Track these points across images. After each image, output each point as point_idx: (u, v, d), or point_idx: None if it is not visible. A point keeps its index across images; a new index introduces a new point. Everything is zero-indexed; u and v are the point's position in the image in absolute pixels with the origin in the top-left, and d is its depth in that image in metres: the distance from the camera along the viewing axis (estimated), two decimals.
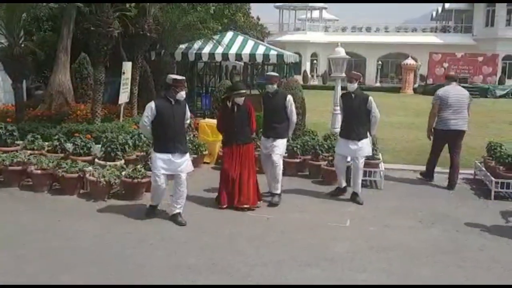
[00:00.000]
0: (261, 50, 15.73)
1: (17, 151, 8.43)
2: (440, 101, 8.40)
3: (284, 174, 8.83)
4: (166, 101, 6.44)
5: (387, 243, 6.04)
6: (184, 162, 6.50)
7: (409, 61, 36.31)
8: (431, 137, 8.79)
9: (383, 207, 7.52)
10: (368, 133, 7.79)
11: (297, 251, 5.70)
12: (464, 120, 8.37)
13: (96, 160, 8.12)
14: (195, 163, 9.17)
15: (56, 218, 6.48)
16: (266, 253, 5.63)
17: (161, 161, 6.36)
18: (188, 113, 6.82)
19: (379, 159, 8.93)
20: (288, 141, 8.16)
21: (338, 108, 11.18)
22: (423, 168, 9.54)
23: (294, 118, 7.67)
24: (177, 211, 6.52)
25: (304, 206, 7.45)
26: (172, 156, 6.38)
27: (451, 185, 8.60)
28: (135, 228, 6.24)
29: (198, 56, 15.35)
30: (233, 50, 15.48)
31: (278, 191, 7.51)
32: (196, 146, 9.36)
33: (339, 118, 11.19)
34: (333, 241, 6.04)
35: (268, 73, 8.15)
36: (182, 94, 6.45)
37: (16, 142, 8.97)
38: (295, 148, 9.19)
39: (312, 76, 44.03)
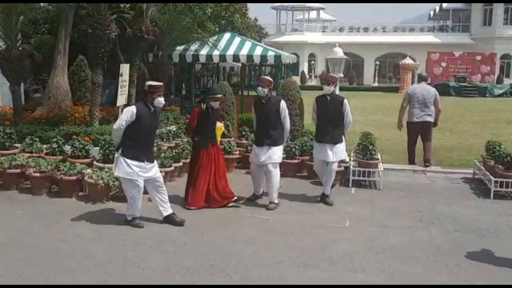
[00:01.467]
0: (258, 51, 15.71)
1: (15, 154, 8.44)
2: (408, 97, 9.54)
3: (282, 175, 8.83)
4: (146, 108, 6.27)
5: (386, 243, 6.04)
6: (154, 167, 6.41)
7: (407, 61, 36.37)
8: (401, 129, 9.93)
9: (382, 208, 7.51)
10: (343, 137, 7.70)
11: (296, 252, 5.69)
12: (429, 113, 9.47)
13: (95, 162, 8.11)
14: None
15: (55, 221, 6.47)
16: (264, 254, 5.62)
17: (134, 166, 6.18)
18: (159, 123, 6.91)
19: (377, 159, 8.92)
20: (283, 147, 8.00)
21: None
22: (423, 168, 9.78)
23: (288, 125, 7.49)
24: (170, 211, 6.49)
25: (303, 207, 7.44)
26: (144, 164, 6.25)
27: (426, 164, 9.74)
28: (134, 230, 6.23)
29: (196, 57, 15.33)
30: (231, 52, 15.47)
31: (276, 201, 7.34)
32: None
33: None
34: (332, 242, 6.04)
35: (262, 76, 7.95)
36: (159, 100, 6.28)
37: (14, 145, 8.97)
38: (293, 149, 9.18)
39: (310, 76, 44.07)
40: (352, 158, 9.24)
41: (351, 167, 8.76)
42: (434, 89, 9.68)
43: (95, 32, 10.07)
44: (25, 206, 7.14)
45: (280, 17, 50.43)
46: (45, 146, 8.90)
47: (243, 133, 10.46)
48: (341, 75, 11.15)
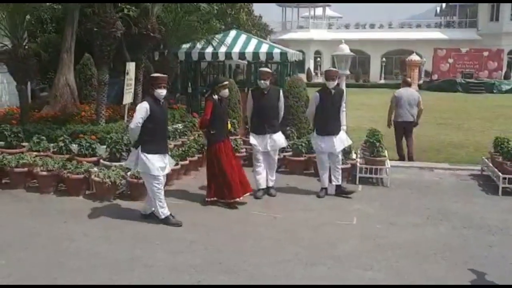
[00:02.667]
0: (264, 48, 15.69)
1: (22, 152, 8.46)
2: (396, 100, 10.51)
3: (290, 172, 8.85)
4: (156, 101, 6.34)
5: (394, 240, 6.01)
6: (168, 162, 6.53)
7: (414, 57, 36.19)
8: (390, 127, 10.74)
9: (390, 205, 7.48)
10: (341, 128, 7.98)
11: (303, 249, 5.67)
12: (413, 113, 10.46)
13: (101, 161, 8.12)
14: (200, 162, 9.18)
15: (62, 219, 6.48)
16: (272, 252, 5.61)
17: (157, 163, 6.27)
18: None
19: (385, 156, 8.88)
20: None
21: (344, 105, 11.17)
22: (430, 165, 9.82)
23: (282, 112, 7.91)
24: (168, 212, 6.43)
25: (310, 205, 7.42)
26: (164, 157, 6.39)
27: (410, 158, 10.39)
28: (142, 228, 6.23)
29: (202, 55, 15.32)
30: (237, 49, 15.45)
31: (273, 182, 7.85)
32: (201, 146, 9.33)
33: (344, 116, 11.19)
34: (340, 240, 6.02)
35: (261, 69, 8.05)
36: (158, 92, 6.30)
37: (21, 144, 8.99)
38: (300, 147, 9.15)
39: (316, 73, 43.96)
40: (359, 155, 9.20)
41: (358, 164, 8.72)
42: (417, 93, 10.85)
43: (101, 31, 10.07)
44: (32, 204, 7.16)
45: (286, 14, 50.34)
46: (52, 145, 8.92)
47: (249, 130, 10.41)
48: (348, 72, 11.06)
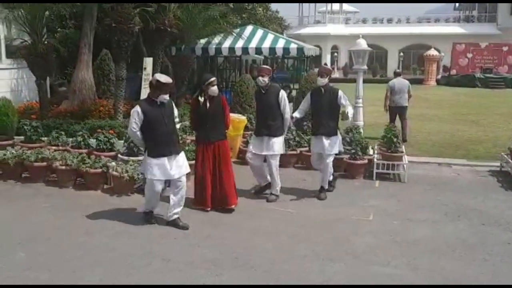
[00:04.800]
0: (281, 43, 15.66)
1: (42, 147, 8.59)
2: (390, 88, 12.18)
3: (305, 168, 8.82)
4: (151, 103, 6.01)
5: (411, 237, 5.98)
6: (180, 164, 6.17)
7: (432, 52, 35.79)
8: (387, 112, 12.33)
9: (407, 201, 7.43)
10: (338, 130, 7.57)
11: (320, 245, 5.67)
12: (404, 99, 12.12)
13: (119, 155, 8.19)
14: None
15: (80, 214, 6.55)
16: (288, 247, 5.61)
17: (157, 167, 5.98)
18: (176, 112, 6.46)
19: (402, 152, 8.82)
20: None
21: (361, 100, 11.13)
22: (449, 161, 9.79)
23: (287, 115, 7.31)
24: (176, 216, 6.21)
25: (327, 200, 7.41)
26: (167, 160, 6.02)
27: (404, 140, 11.17)
28: (159, 223, 6.28)
29: (218, 50, 15.35)
30: (253, 44, 15.44)
31: (277, 193, 7.31)
32: None
33: (361, 111, 11.15)
34: (356, 235, 6.00)
35: (261, 66, 7.80)
36: (163, 97, 6.00)
37: (41, 138, 9.12)
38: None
39: (333, 69, 43.72)
40: (376, 151, 9.15)
41: (375, 160, 8.68)
42: (407, 82, 12.48)
43: (118, 26, 10.14)
44: (51, 199, 7.26)
45: (303, 9, 50.12)
46: (70, 139, 9.03)
47: None
48: (365, 67, 11.00)
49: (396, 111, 12.17)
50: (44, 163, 7.88)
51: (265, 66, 7.66)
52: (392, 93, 12.18)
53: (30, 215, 6.54)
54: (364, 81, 11.96)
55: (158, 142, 6.01)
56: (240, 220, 6.49)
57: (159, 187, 6.13)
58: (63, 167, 7.72)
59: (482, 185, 8.40)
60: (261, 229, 6.16)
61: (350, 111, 7.34)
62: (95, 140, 8.63)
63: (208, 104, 6.62)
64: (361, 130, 10.39)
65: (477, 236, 6.06)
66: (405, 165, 8.60)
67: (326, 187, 7.61)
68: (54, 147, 8.66)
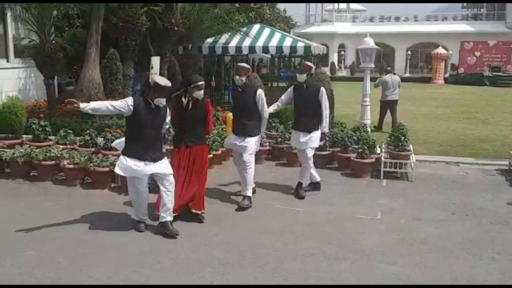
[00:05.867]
0: (288, 42, 15.66)
1: (50, 146, 8.64)
2: (382, 83, 13.48)
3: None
4: (146, 103, 5.64)
5: (419, 236, 5.96)
6: (163, 165, 5.81)
7: (440, 50, 35.59)
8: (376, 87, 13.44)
9: (415, 200, 7.41)
10: (319, 126, 7.43)
11: (327, 244, 5.66)
12: (396, 94, 13.41)
13: None
14: (222, 156, 9.22)
15: (88, 212, 6.57)
16: (295, 246, 5.61)
17: (129, 164, 5.64)
18: (168, 118, 6.01)
19: (410, 150, 8.79)
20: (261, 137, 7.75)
21: (368, 99, 11.10)
22: (457, 159, 9.79)
23: (265, 114, 7.12)
24: (169, 218, 5.86)
25: (334, 199, 7.40)
26: (144, 164, 5.67)
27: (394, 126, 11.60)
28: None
29: (225, 49, 15.37)
30: (260, 43, 15.45)
31: (249, 194, 6.99)
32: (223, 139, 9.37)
33: (368, 110, 11.12)
34: (363, 234, 5.99)
35: (239, 64, 7.48)
36: (160, 101, 5.64)
37: (48, 137, 9.17)
38: (324, 141, 9.09)
39: (340, 67, 43.64)
40: (383, 150, 9.13)
41: (383, 158, 8.65)
42: (398, 78, 13.87)
43: (126, 25, 10.21)
44: (59, 197, 7.29)
45: (309, 8, 50.01)
46: (78, 138, 9.08)
47: (273, 124, 10.43)
48: (372, 65, 10.97)
49: (389, 105, 13.35)
50: (52, 162, 7.93)
51: (243, 64, 7.37)
52: (385, 88, 13.34)
53: (38, 214, 6.57)
54: (372, 80, 11.92)
55: (138, 144, 5.65)
56: (247, 219, 6.49)
57: (138, 189, 5.82)
58: (71, 166, 7.75)
59: (491, 184, 8.35)
60: (268, 228, 6.16)
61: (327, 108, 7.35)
62: (102, 139, 8.67)
63: (190, 107, 6.20)
64: (368, 129, 10.36)
65: (485, 235, 6.03)
66: (412, 164, 8.57)
67: (306, 183, 7.57)
68: (62, 146, 8.72)
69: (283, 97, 7.68)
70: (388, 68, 15.06)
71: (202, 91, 6.22)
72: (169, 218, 5.87)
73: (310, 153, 7.46)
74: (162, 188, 5.83)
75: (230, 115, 8.89)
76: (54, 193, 7.48)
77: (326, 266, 5.10)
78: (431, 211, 6.87)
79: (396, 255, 5.38)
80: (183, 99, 6.18)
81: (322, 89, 7.37)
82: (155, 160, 5.73)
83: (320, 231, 6.07)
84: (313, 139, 7.40)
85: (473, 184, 8.33)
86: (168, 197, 5.83)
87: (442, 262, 5.24)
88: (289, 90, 7.69)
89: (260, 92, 7.05)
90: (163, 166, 5.80)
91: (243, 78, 6.99)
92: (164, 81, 5.72)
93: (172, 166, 6.12)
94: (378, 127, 13.25)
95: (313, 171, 7.67)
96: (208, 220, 6.35)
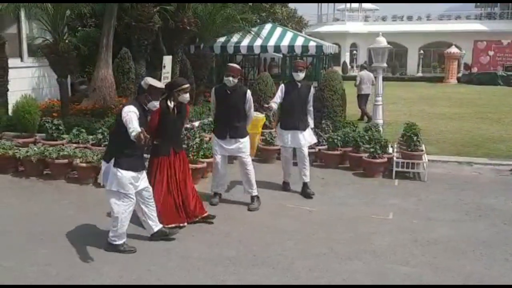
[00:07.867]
0: (300, 41, 15.65)
1: (63, 144, 8.72)
2: (360, 79, 15.09)
3: (325, 166, 8.78)
4: (140, 108, 5.21)
5: (431, 236, 5.92)
6: (145, 177, 5.55)
7: (453, 49, 35.33)
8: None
9: (427, 200, 7.37)
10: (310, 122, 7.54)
11: (339, 244, 5.65)
12: (369, 88, 14.89)
13: None
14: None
15: (100, 210, 6.60)
16: (307, 246, 5.60)
17: (130, 179, 5.25)
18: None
19: (422, 150, 8.74)
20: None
21: (380, 99, 11.04)
22: (470, 159, 9.71)
23: (251, 114, 6.94)
24: (159, 227, 5.68)
25: (345, 199, 7.38)
26: (139, 174, 5.38)
27: (368, 117, 13.75)
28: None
29: (237, 48, 15.40)
30: (272, 42, 15.45)
31: (256, 193, 6.91)
32: None
33: (380, 109, 11.06)
34: (375, 234, 5.96)
35: (229, 64, 7.23)
36: (154, 104, 5.29)
37: (62, 136, 9.24)
38: (335, 140, 9.08)
39: (352, 67, 43.50)
40: (395, 150, 9.08)
41: (395, 158, 8.61)
42: (372, 74, 14.75)
43: (138, 25, 10.26)
44: (72, 196, 7.35)
45: (321, 7, 49.90)
46: (91, 137, 9.14)
47: None
48: (384, 65, 10.91)
49: (364, 97, 15.08)
50: (65, 160, 7.99)
51: (234, 65, 7.11)
52: (361, 83, 15.05)
53: (51, 211, 6.63)
54: (384, 79, 11.85)
55: (135, 155, 5.31)
56: (259, 218, 6.50)
57: (133, 201, 5.38)
58: (84, 164, 7.81)
59: (504, 184, 8.27)
60: (280, 227, 6.16)
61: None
62: None
63: (176, 111, 6.02)
64: (380, 129, 10.32)
65: (498, 236, 5.97)
66: (425, 164, 8.51)
67: (308, 181, 7.52)
68: (75, 145, 8.79)
69: (278, 95, 7.49)
70: (364, 65, 17.03)
71: (187, 95, 6.05)
72: (160, 226, 5.69)
73: (307, 150, 7.55)
74: (141, 200, 5.50)
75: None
76: (67, 191, 7.54)
77: (337, 266, 5.09)
78: (443, 212, 6.83)
79: (408, 256, 5.35)
80: (168, 103, 5.93)
81: (313, 88, 7.53)
82: (145, 168, 5.58)
83: (332, 231, 6.06)
84: (312, 136, 7.62)
85: (486, 184, 8.26)
86: (151, 207, 5.60)
87: (455, 263, 5.20)
88: (279, 90, 7.50)
89: (249, 93, 6.89)
90: (146, 179, 5.58)
91: (235, 80, 6.72)
92: (158, 83, 5.40)
93: (157, 174, 5.96)
94: (361, 118, 14.85)
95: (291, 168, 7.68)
96: (220, 220, 6.36)
